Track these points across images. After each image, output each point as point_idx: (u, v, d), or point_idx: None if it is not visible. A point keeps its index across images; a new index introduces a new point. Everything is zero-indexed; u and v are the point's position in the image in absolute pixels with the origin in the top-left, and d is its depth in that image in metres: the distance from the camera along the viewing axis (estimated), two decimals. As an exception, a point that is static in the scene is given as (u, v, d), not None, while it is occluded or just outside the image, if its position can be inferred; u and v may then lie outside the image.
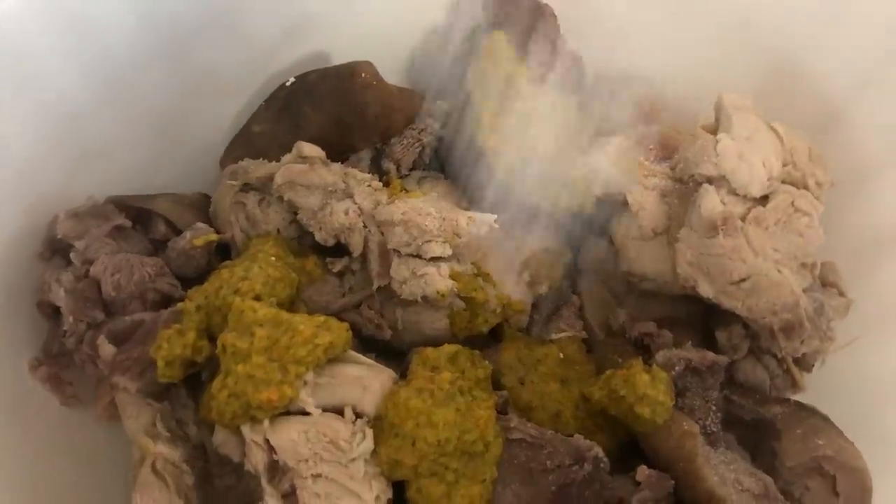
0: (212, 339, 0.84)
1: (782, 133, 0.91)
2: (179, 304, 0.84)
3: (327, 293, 0.94)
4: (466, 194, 1.04)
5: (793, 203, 0.89)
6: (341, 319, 0.85)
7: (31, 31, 0.85)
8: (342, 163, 1.00)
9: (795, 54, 1.02)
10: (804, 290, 0.87)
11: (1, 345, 0.89)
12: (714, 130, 0.92)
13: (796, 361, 0.93)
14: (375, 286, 0.92)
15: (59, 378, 0.91)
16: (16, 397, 0.90)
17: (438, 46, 1.07)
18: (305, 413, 0.79)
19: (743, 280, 0.87)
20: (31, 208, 0.92)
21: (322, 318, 0.82)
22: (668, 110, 1.06)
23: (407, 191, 1.00)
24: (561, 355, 0.96)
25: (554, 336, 0.98)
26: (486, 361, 0.89)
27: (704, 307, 0.96)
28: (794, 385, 0.92)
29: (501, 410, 0.87)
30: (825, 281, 0.91)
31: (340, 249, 0.95)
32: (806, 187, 0.90)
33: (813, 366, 0.95)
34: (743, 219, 0.88)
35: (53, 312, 0.87)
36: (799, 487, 0.83)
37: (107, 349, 0.81)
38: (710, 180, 0.90)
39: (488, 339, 0.97)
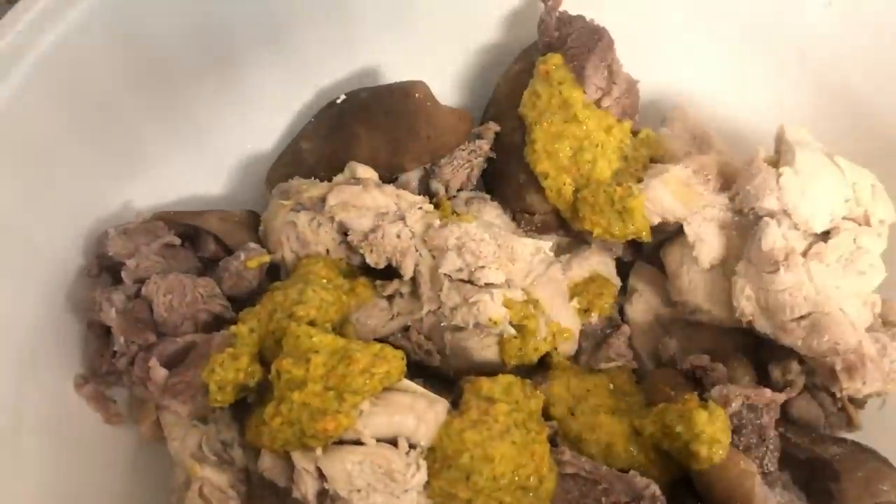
0: (264, 363, 0.83)
1: (845, 168, 0.89)
2: (232, 327, 0.83)
3: (376, 316, 0.93)
4: (515, 218, 1.02)
5: (855, 240, 0.87)
6: (389, 344, 0.84)
7: (86, 38, 0.84)
8: (391, 183, 0.99)
9: (853, 87, 1.01)
10: (866, 329, 0.85)
11: (47, 360, 0.88)
12: (775, 163, 0.90)
13: (850, 399, 0.92)
14: (425, 311, 0.91)
15: (103, 396, 0.90)
16: (60, 413, 0.88)
17: (491, 67, 1.06)
18: (359, 442, 0.78)
19: (803, 317, 0.85)
20: (77, 222, 0.92)
21: (378, 346, 0.81)
22: (721, 137, 1.04)
23: (457, 213, 0.99)
24: (611, 385, 0.94)
25: (603, 365, 0.97)
26: (538, 392, 0.88)
27: (754, 340, 0.95)
28: (850, 423, 0.90)
29: (552, 442, 0.86)
30: (886, 320, 0.89)
31: (389, 272, 0.94)
32: (868, 224, 0.88)
33: (865, 402, 0.93)
34: (804, 254, 0.87)
35: (103, 332, 0.86)
36: (859, 532, 0.81)
37: (159, 373, 0.80)
38: (771, 214, 0.88)
39: (535, 368, 0.96)
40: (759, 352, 0.95)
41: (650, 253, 1.03)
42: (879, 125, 1.01)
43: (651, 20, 1.05)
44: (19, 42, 0.81)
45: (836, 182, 0.88)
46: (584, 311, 0.99)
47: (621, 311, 1.02)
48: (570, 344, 0.97)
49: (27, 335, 0.86)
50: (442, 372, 0.94)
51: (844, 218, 0.88)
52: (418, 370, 0.93)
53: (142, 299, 0.83)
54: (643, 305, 1.01)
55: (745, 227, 0.91)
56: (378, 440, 0.78)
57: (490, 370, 0.89)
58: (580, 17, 0.99)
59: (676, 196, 0.93)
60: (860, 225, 0.88)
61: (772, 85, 1.05)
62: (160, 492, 0.90)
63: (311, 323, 0.82)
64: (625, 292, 1.02)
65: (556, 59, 0.97)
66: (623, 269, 1.03)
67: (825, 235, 0.88)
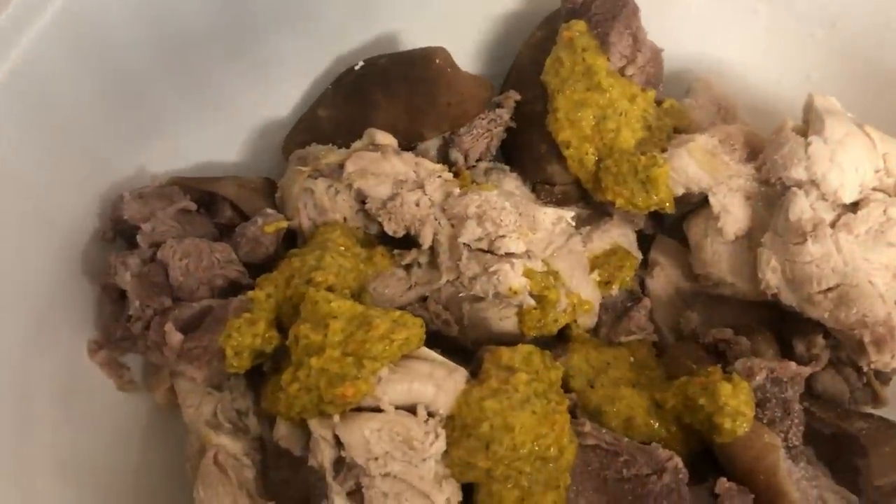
0: (281, 329, 0.82)
1: (875, 138, 0.87)
2: (249, 293, 0.81)
3: (394, 286, 0.91)
4: (535, 189, 1.01)
5: (885, 211, 0.85)
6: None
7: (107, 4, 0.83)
8: (409, 151, 0.97)
9: (884, 57, 0.98)
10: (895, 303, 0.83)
11: (60, 325, 0.87)
12: (803, 132, 0.88)
13: (875, 374, 0.90)
14: (444, 280, 0.90)
15: (117, 362, 0.90)
16: (73, 380, 0.88)
17: (513, 34, 1.04)
18: (377, 410, 0.77)
19: (831, 289, 0.84)
20: (92, 186, 0.91)
21: (397, 313, 0.79)
22: (747, 108, 1.02)
23: (477, 183, 0.97)
24: (631, 358, 0.93)
25: (623, 338, 0.95)
26: (558, 363, 0.86)
27: (777, 314, 0.93)
28: (876, 399, 0.89)
29: (572, 414, 0.84)
30: (915, 293, 0.87)
31: (406, 241, 0.92)
32: (899, 195, 0.86)
33: (890, 379, 0.91)
34: (832, 226, 0.85)
35: (118, 296, 0.85)
36: (885, 508, 0.80)
37: (174, 337, 0.79)
38: (799, 184, 0.86)
39: (555, 341, 0.94)
40: (782, 326, 0.93)
41: (672, 226, 1.02)
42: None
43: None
44: (34, 2, 0.80)
45: (867, 152, 0.86)
46: (605, 284, 0.97)
47: (642, 285, 1.00)
48: (590, 316, 0.95)
49: (40, 300, 0.85)
50: (460, 343, 0.93)
51: (874, 189, 0.86)
52: (436, 341, 0.91)
53: (157, 263, 0.82)
54: (664, 279, 0.99)
55: (771, 197, 0.89)
56: (397, 408, 0.77)
57: (509, 341, 0.88)
58: (605, -16, 0.97)
59: (702, 165, 0.91)
60: (891, 196, 0.86)
61: (800, 56, 1.03)
62: (174, 459, 0.89)
63: (330, 289, 0.81)
64: (646, 266, 1.01)
65: (579, 25, 0.95)
66: (644, 242, 1.02)
67: (854, 206, 0.86)
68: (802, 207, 0.85)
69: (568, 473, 0.79)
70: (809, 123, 0.89)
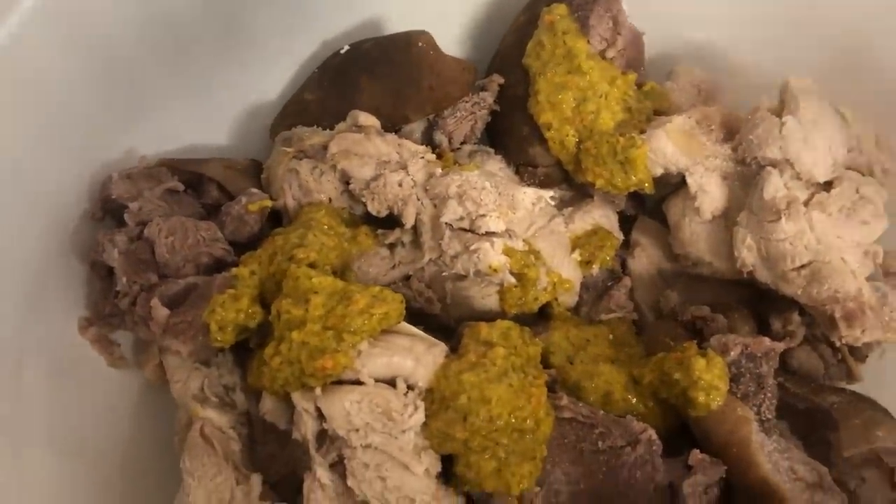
0: (265, 305, 0.84)
1: (849, 118, 0.89)
2: (233, 270, 0.83)
3: (377, 265, 0.93)
4: (518, 171, 1.03)
5: (857, 190, 0.87)
6: (392, 291, 0.85)
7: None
8: (395, 133, 0.99)
9: (861, 38, 0.99)
10: (867, 279, 0.85)
11: (50, 303, 0.89)
12: (779, 113, 0.90)
13: (851, 351, 0.92)
14: (426, 259, 0.92)
15: (107, 339, 0.92)
16: (63, 356, 0.90)
17: (497, 19, 1.05)
18: (358, 383, 0.79)
19: (804, 266, 0.85)
20: (80, 166, 0.92)
21: (377, 288, 0.81)
22: (727, 91, 1.03)
23: (460, 164, 0.99)
24: (611, 336, 0.95)
25: (604, 316, 0.97)
26: (537, 340, 0.88)
27: (756, 293, 0.95)
28: (850, 375, 0.91)
29: (550, 389, 0.86)
30: (887, 270, 0.89)
31: (390, 221, 0.94)
32: (871, 174, 0.88)
33: (867, 356, 0.93)
34: (806, 204, 0.87)
35: (106, 273, 0.87)
36: (854, 478, 0.82)
37: (160, 312, 0.81)
38: (773, 163, 0.88)
39: (536, 319, 0.96)
40: (760, 305, 0.95)
41: (652, 207, 1.04)
42: (889, 82, 0.99)
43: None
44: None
45: (840, 131, 0.88)
46: (586, 264, 0.98)
47: (623, 265, 1.02)
48: (571, 295, 0.97)
49: (30, 277, 0.87)
50: (443, 321, 0.95)
51: (847, 167, 0.88)
52: (419, 319, 0.93)
53: (144, 241, 0.84)
54: (645, 259, 1.01)
55: (747, 177, 0.91)
56: (377, 381, 0.79)
57: (490, 319, 0.89)
58: (586, -32, 0.98)
59: (679, 146, 0.92)
60: (863, 175, 0.88)
61: (780, 41, 1.04)
62: (163, 434, 0.91)
63: (312, 265, 0.83)
64: (627, 246, 1.02)
65: (560, 8, 0.97)
66: (626, 223, 1.03)
67: (828, 185, 0.88)
68: (777, 186, 0.86)
69: (544, 445, 0.81)
70: (784, 104, 0.91)
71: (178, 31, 0.95)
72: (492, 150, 1.05)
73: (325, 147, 0.93)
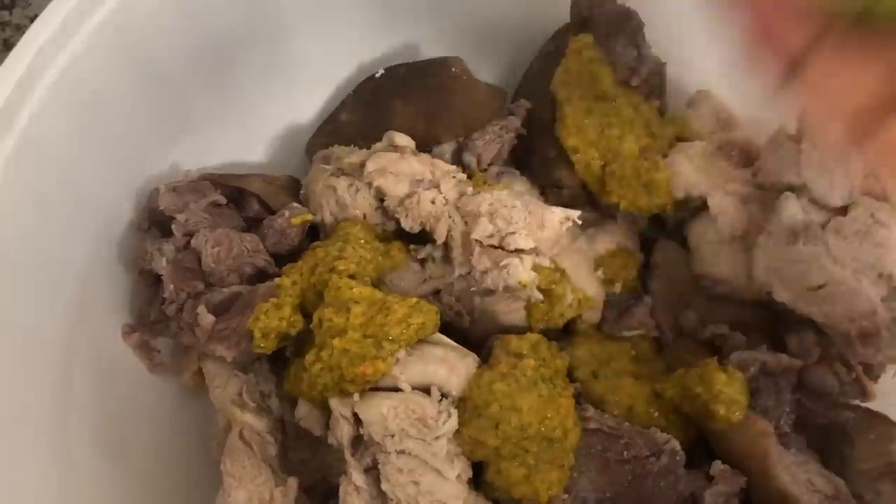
0: (305, 314, 0.87)
1: (864, 145, 0.92)
2: (276, 280, 0.87)
3: (409, 279, 0.97)
4: (544, 192, 1.06)
5: (872, 214, 0.90)
6: (424, 304, 0.88)
7: (145, 6, 0.89)
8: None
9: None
10: (881, 300, 0.88)
11: (96, 309, 0.92)
12: (797, 140, 0.94)
13: (864, 370, 0.95)
14: (457, 274, 0.95)
15: (148, 345, 0.95)
16: (108, 361, 0.93)
17: (525, 46, 1.10)
18: (395, 390, 0.82)
19: (820, 287, 0.89)
20: (127, 179, 0.96)
21: (414, 299, 0.85)
22: (747, 118, 1.07)
23: (489, 184, 1.03)
24: (633, 352, 0.98)
25: (625, 333, 1.00)
26: (564, 353, 0.92)
27: (773, 313, 0.98)
28: (864, 393, 0.93)
29: (576, 401, 0.89)
30: (901, 292, 0.92)
31: (422, 237, 0.98)
32: (885, 199, 0.92)
33: (879, 376, 0.96)
34: (822, 227, 0.90)
35: (153, 281, 0.91)
36: (870, 492, 0.84)
37: (206, 318, 0.84)
38: (791, 188, 0.92)
39: (560, 334, 1.00)
40: (777, 324, 0.98)
41: (673, 229, 1.07)
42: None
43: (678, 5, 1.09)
44: (84, 8, 0.86)
45: (856, 158, 0.91)
46: (609, 282, 1.02)
47: (644, 284, 1.05)
48: (594, 312, 1.01)
49: (78, 285, 0.90)
50: (469, 336, 0.98)
51: (863, 193, 0.92)
52: (447, 334, 0.96)
53: (191, 251, 0.88)
54: (665, 279, 1.04)
55: (766, 201, 0.94)
56: (412, 388, 0.82)
57: (517, 333, 0.93)
58: (611, 0, 1.03)
59: (700, 170, 0.96)
60: (878, 200, 0.91)
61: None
62: (200, 439, 0.95)
63: (351, 277, 0.86)
64: (648, 266, 1.06)
65: (587, 38, 1.01)
66: (647, 245, 1.07)
67: (843, 210, 0.91)
68: (794, 210, 0.90)
69: (572, 454, 0.84)
70: (802, 130, 0.95)
71: (223, 53, 1.00)
72: (517, 172, 1.09)
73: (361, 165, 0.96)
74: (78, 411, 0.87)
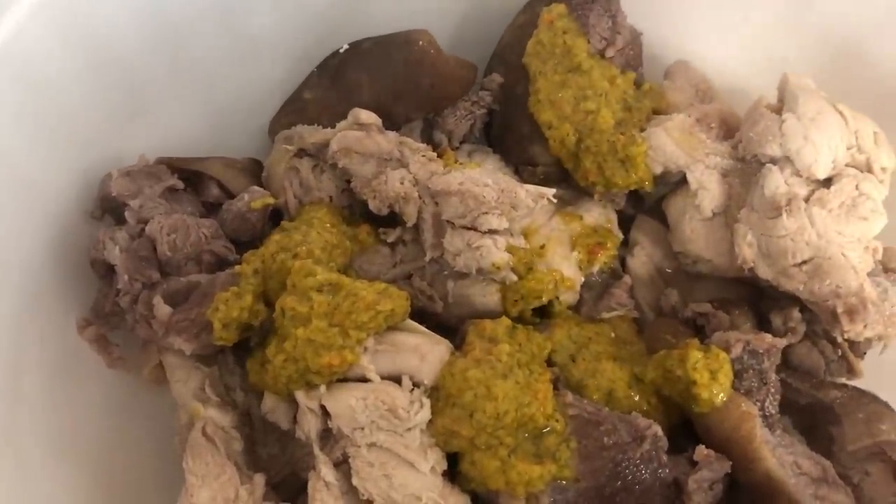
0: (268, 303, 0.83)
1: (848, 115, 0.89)
2: (236, 267, 0.83)
3: (379, 263, 0.93)
4: (518, 170, 1.03)
5: (857, 186, 0.87)
6: (394, 289, 0.84)
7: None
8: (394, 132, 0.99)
9: (859, 38, 1.00)
10: (867, 275, 0.85)
11: (51, 304, 0.88)
12: (778, 110, 0.91)
13: (850, 347, 0.92)
14: (428, 257, 0.91)
15: (105, 339, 0.91)
16: (62, 357, 0.89)
17: (497, 19, 1.05)
18: (363, 380, 0.79)
19: (805, 262, 0.86)
20: (78, 165, 0.91)
21: (382, 285, 0.81)
22: (724, 90, 1.04)
23: (460, 163, 0.99)
24: (612, 334, 0.95)
25: (605, 314, 0.97)
26: (541, 337, 0.88)
27: (756, 290, 0.95)
28: (851, 371, 0.91)
29: (554, 387, 0.86)
30: (887, 266, 0.89)
31: (392, 219, 0.94)
32: (870, 171, 0.89)
33: (865, 353, 0.94)
34: (806, 200, 0.87)
35: (107, 271, 0.86)
36: (858, 472, 0.82)
37: (163, 309, 0.80)
38: (773, 160, 0.88)
39: (538, 317, 0.96)
40: (760, 301, 0.96)
41: (652, 207, 1.04)
42: (886, 79, 1.00)
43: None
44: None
45: (840, 129, 0.88)
46: (586, 262, 0.98)
47: (623, 263, 1.02)
48: (572, 294, 0.97)
49: (29, 277, 0.86)
50: (443, 321, 0.94)
51: (847, 164, 0.88)
52: (420, 319, 0.93)
53: (145, 238, 0.84)
54: (645, 258, 1.01)
55: (747, 174, 0.91)
56: (382, 378, 0.79)
57: (492, 317, 0.89)
58: (585, -32, 0.99)
59: (679, 144, 0.93)
60: (862, 171, 0.88)
61: (777, 38, 1.05)
62: (163, 435, 0.90)
63: (316, 263, 0.82)
64: (627, 245, 1.02)
65: (559, 8, 0.97)
66: (625, 222, 1.04)
67: (827, 182, 0.88)
68: (777, 183, 0.87)
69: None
70: (784, 101, 0.91)
71: (178, 29, 0.95)
72: (490, 150, 1.05)
73: (325, 145, 0.92)
74: (31, 412, 0.83)
